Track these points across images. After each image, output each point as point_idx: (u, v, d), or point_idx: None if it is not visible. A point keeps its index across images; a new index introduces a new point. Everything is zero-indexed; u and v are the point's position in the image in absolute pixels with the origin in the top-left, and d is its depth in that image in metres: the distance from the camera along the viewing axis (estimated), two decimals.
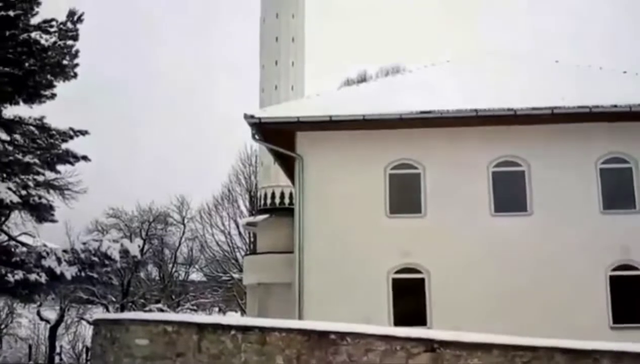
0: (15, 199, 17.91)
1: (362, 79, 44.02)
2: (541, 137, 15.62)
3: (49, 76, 19.58)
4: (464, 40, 55.85)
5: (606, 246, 14.99)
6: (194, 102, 63.96)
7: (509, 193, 15.55)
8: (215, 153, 49.49)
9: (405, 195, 15.84)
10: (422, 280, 15.35)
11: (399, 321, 14.90)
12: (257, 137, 16.77)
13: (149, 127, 60.04)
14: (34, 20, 19.51)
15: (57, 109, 21.01)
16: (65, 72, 19.61)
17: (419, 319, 15.01)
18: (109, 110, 58.46)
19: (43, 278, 18.00)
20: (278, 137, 16.55)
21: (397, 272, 15.44)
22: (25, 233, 20.42)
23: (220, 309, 41.26)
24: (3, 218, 19.52)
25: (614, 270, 15.00)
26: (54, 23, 19.34)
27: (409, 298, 15.33)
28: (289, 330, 10.79)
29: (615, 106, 14.85)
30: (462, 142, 15.75)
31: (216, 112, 57.87)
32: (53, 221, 20.37)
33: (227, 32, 71.40)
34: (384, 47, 59.47)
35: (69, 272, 18.51)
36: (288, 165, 18.18)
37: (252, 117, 15.92)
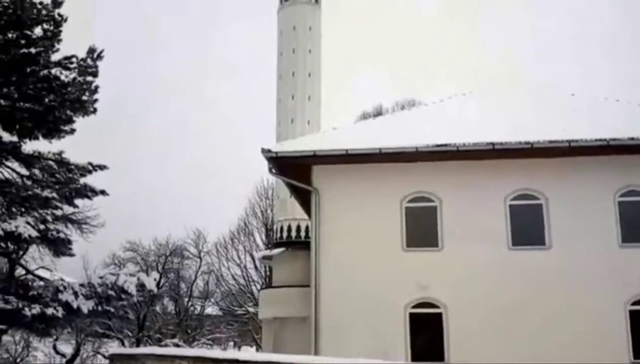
0: (34, 233, 18.03)
1: (378, 113, 44.24)
2: (558, 169, 15.54)
3: (68, 111, 19.85)
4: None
5: (626, 280, 14.79)
6: (210, 135, 64.47)
7: (527, 226, 15.43)
8: (232, 186, 49.75)
9: (421, 228, 15.77)
10: (440, 314, 15.21)
11: (416, 356, 14.74)
12: (273, 170, 16.83)
13: (167, 160, 60.49)
14: (55, 57, 19.86)
15: (74, 141, 21.25)
16: (85, 108, 19.87)
17: (437, 354, 14.85)
18: (126, 142, 59.00)
19: (60, 312, 18.02)
20: (294, 170, 16.61)
21: (414, 306, 15.31)
22: (42, 267, 20.55)
23: (235, 344, 41.06)
24: (21, 252, 19.65)
25: (634, 304, 14.78)
26: (74, 60, 19.65)
27: (427, 332, 15.18)
28: None
29: (633, 139, 14.77)
30: (479, 174, 15.70)
31: (233, 145, 58.31)
32: (71, 255, 20.47)
33: (245, 66, 72.17)
34: (399, 81, 59.78)
35: (86, 306, 18.54)
36: (304, 198, 18.21)
37: (269, 151, 16.00)
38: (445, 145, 15.25)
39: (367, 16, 71.55)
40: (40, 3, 20.17)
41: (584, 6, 67.56)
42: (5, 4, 19.43)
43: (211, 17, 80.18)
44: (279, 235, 23.12)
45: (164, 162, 61.07)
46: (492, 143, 15.09)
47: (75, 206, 21.08)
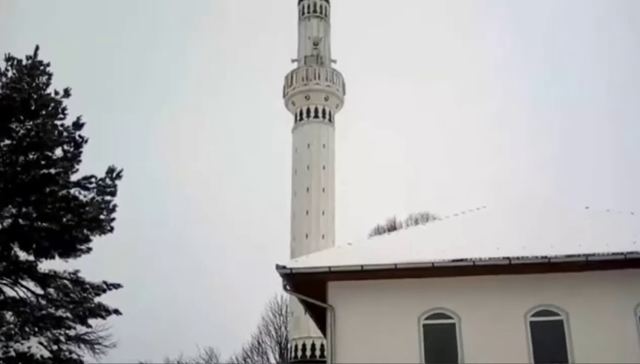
0: (46, 354, 17.84)
1: (392, 227, 44.39)
2: (577, 284, 15.33)
3: (85, 231, 20.11)
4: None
5: None
6: (224, 251, 64.45)
7: (548, 343, 15.05)
8: (245, 303, 49.24)
9: (440, 345, 15.40)
10: None
11: None
12: (288, 287, 16.70)
13: (177, 278, 60.25)
14: (74, 177, 20.34)
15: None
16: (102, 227, 20.14)
17: None
18: (140, 260, 59.03)
19: None
20: (309, 287, 16.46)
21: None
22: None
23: None
24: None
25: None
26: (93, 179, 20.12)
27: None
28: None
29: None
30: (497, 290, 15.51)
31: (246, 261, 58.16)
32: None
33: (259, 181, 73.13)
34: (413, 194, 60.22)
35: None
36: (319, 315, 17.94)
37: (283, 267, 15.94)
38: (462, 260, 15.16)
39: (379, 132, 73.05)
40: (62, 125, 20.87)
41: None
42: (29, 127, 20.11)
43: (226, 134, 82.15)
44: (293, 354, 22.70)
45: (177, 278, 60.81)
46: (509, 258, 14.98)
47: (89, 326, 20.94)
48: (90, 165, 21.19)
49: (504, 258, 15.03)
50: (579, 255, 14.83)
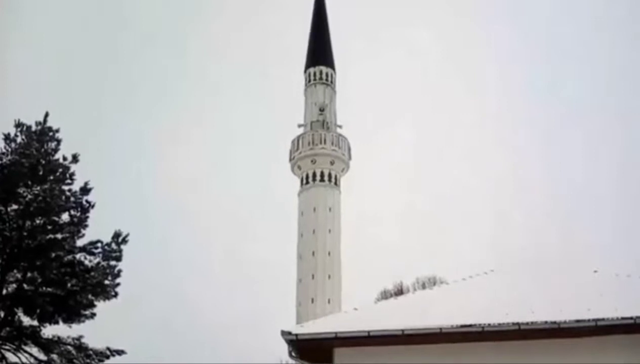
0: None
1: (399, 291, 43.97)
2: (587, 349, 15.06)
3: (90, 296, 20.08)
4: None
5: None
6: (226, 315, 63.81)
7: None
8: None
9: None
10: None
11: None
12: (293, 353, 16.45)
13: (181, 341, 59.41)
14: (80, 241, 20.41)
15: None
16: (107, 292, 20.13)
17: None
18: (144, 324, 58.37)
19: None
20: (315, 353, 16.21)
21: None
22: None
23: None
24: None
25: None
26: (98, 244, 20.20)
27: None
28: None
29: None
30: (507, 356, 15.24)
31: (251, 326, 57.46)
32: None
33: (264, 245, 72.90)
34: (420, 257, 59.87)
35: None
36: None
37: (289, 333, 15.73)
38: (470, 325, 14.96)
39: (384, 195, 73.26)
40: (69, 190, 21.06)
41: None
42: (36, 192, 20.28)
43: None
44: None
45: (180, 341, 59.97)
46: (518, 324, 14.78)
47: None
48: (97, 229, 21.27)
49: (514, 324, 14.83)
50: (588, 320, 14.63)
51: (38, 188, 20.46)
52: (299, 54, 49.58)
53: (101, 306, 20.30)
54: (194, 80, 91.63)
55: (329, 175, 42.31)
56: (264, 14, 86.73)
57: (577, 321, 14.70)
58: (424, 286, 40.31)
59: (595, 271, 18.81)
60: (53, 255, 19.88)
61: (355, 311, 18.58)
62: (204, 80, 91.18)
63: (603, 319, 14.61)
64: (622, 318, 14.55)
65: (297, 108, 47.39)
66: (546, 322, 14.76)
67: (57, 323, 20.40)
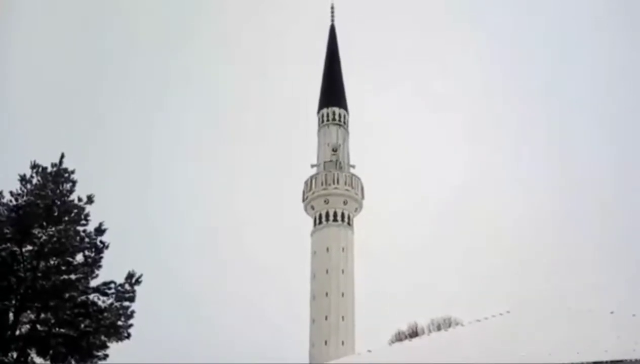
0: None
1: (414, 332, 43.51)
2: None
3: (102, 337, 19.99)
4: None
5: None
6: (239, 357, 63.23)
7: None
8: None
9: None
10: None
11: None
12: None
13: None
14: (94, 282, 20.40)
15: None
16: (119, 333, 20.03)
17: None
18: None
19: None
20: None
21: None
22: None
23: None
24: None
25: None
26: (112, 285, 20.18)
27: None
28: None
29: None
30: None
31: None
32: None
33: (276, 286, 72.56)
34: (435, 298, 59.30)
35: None
36: None
37: None
38: None
39: (398, 236, 72.95)
40: (84, 231, 21.14)
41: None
42: (51, 233, 20.37)
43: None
44: None
45: None
46: None
47: None
48: (110, 269, 21.28)
49: None
50: (606, 362, 14.48)
51: (53, 229, 20.55)
52: (312, 95, 50.21)
53: (114, 347, 20.21)
54: (207, 123, 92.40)
55: (342, 215, 42.26)
56: (278, 59, 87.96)
57: (595, 363, 14.53)
58: (439, 328, 39.89)
59: (612, 313, 18.58)
60: (67, 295, 19.86)
61: (369, 354, 18.46)
62: (217, 124, 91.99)
63: (621, 362, 14.44)
64: (637, 361, 14.36)
65: (310, 149, 47.77)
66: None
67: None
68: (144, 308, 22.70)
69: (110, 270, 21.55)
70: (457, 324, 29.96)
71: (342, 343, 37.22)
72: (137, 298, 20.86)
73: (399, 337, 42.22)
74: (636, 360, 14.31)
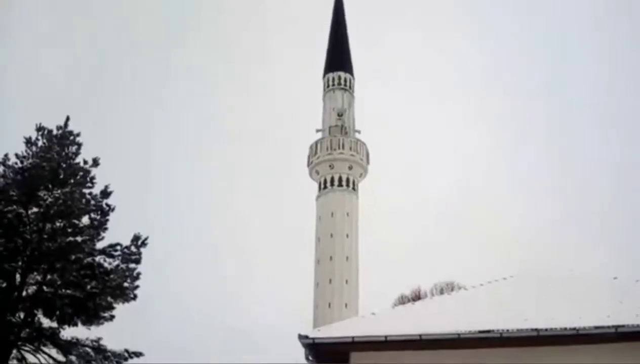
0: None
1: (417, 296, 43.76)
2: (606, 356, 14.88)
3: (109, 298, 20.23)
4: None
5: None
6: (243, 321, 63.85)
7: None
8: None
9: None
10: None
11: None
12: (310, 357, 16.42)
13: (199, 344, 59.53)
14: (100, 244, 20.55)
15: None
16: (126, 294, 20.26)
17: None
18: (163, 328, 58.61)
19: None
20: (332, 357, 16.18)
21: None
22: None
23: None
24: None
25: None
26: (118, 247, 20.34)
27: None
28: None
29: None
30: (525, 362, 15.11)
31: (267, 330, 57.42)
32: None
33: (282, 250, 72.97)
34: (438, 263, 59.61)
35: None
36: None
37: (306, 337, 15.71)
38: (488, 331, 14.85)
39: (403, 200, 73.05)
40: (90, 194, 21.22)
41: None
42: (56, 195, 20.46)
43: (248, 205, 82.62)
44: None
45: (198, 344, 60.10)
46: (537, 330, 14.65)
47: None
48: (116, 231, 21.39)
49: (532, 330, 14.71)
50: (608, 326, 14.47)
51: (59, 191, 20.65)
52: (318, 59, 49.81)
53: (120, 308, 20.44)
54: (210, 84, 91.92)
55: (347, 180, 42.25)
56: (285, 21, 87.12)
57: (597, 327, 14.54)
58: (441, 292, 40.08)
59: (615, 278, 18.59)
60: (73, 257, 20.05)
61: (372, 316, 18.52)
62: (221, 84, 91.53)
63: (623, 326, 14.44)
64: None
65: (315, 113, 47.54)
66: (565, 328, 14.61)
67: (76, 325, 20.57)
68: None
69: (116, 233, 21.68)
70: (460, 288, 30.10)
71: (346, 306, 37.53)
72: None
73: (402, 301, 42.46)
74: (638, 325, 14.35)
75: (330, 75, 46.36)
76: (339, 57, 47.04)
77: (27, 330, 19.93)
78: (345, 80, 46.09)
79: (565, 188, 77.00)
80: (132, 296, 20.42)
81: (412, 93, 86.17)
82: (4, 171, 20.98)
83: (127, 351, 20.36)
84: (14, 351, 20.02)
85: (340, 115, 44.65)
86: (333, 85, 45.91)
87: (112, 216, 21.42)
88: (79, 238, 20.01)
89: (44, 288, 20.28)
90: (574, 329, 14.57)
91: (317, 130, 45.05)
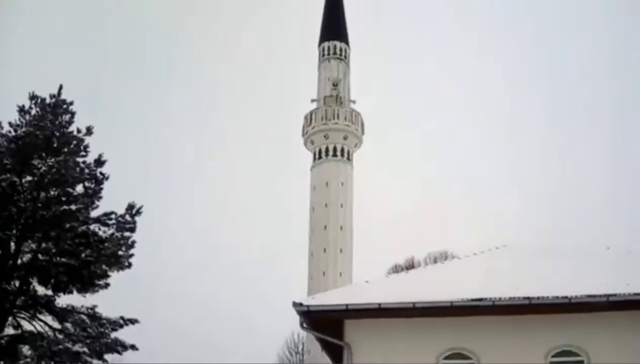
0: None
1: (410, 265, 44.06)
2: (598, 325, 15.06)
3: (104, 266, 20.30)
4: None
5: None
6: (239, 289, 64.24)
7: None
8: (262, 341, 48.85)
9: None
10: None
11: None
12: (305, 325, 16.56)
13: (194, 316, 59.96)
14: (94, 213, 20.55)
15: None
16: (121, 262, 20.31)
17: None
18: (158, 299, 58.90)
19: None
20: (326, 324, 16.32)
21: None
22: None
23: None
24: None
25: None
26: (112, 216, 20.35)
27: None
28: None
29: None
30: (517, 330, 15.28)
31: (262, 299, 57.84)
32: None
33: (277, 220, 73.20)
34: (432, 233, 59.92)
35: None
36: (336, 354, 17.76)
37: (300, 305, 15.84)
38: (481, 299, 14.98)
39: (397, 170, 73.23)
40: (84, 162, 21.16)
41: None
42: (50, 164, 20.40)
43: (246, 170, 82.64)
44: None
45: (193, 316, 60.54)
46: (529, 298, 14.79)
47: (105, 361, 20.92)
48: (111, 201, 21.38)
49: (524, 298, 14.84)
50: (600, 295, 14.60)
51: (52, 160, 20.57)
52: (313, 28, 49.42)
53: (115, 277, 20.51)
54: (207, 56, 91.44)
55: (342, 150, 42.22)
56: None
57: (589, 296, 14.67)
58: (435, 261, 40.36)
59: (608, 248, 18.72)
60: (67, 225, 20.04)
61: (366, 284, 18.64)
62: (216, 56, 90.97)
63: (615, 295, 14.57)
64: (634, 294, 14.51)
65: (310, 83, 47.28)
66: (557, 297, 14.74)
67: (71, 292, 20.65)
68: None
69: (110, 202, 21.66)
70: (453, 257, 30.28)
71: (340, 275, 37.78)
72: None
73: (396, 270, 42.74)
74: (630, 293, 14.48)
75: (326, 44, 45.97)
76: (334, 25, 46.60)
77: (23, 298, 20.02)
78: (340, 50, 45.74)
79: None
80: (126, 264, 20.48)
81: (409, 63, 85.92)
82: None
83: (122, 318, 20.49)
84: (10, 319, 20.14)
85: (335, 85, 44.38)
86: (328, 54, 45.56)
87: (107, 186, 21.39)
88: (73, 207, 19.97)
89: (39, 256, 20.31)
90: (566, 298, 14.70)
91: (312, 100, 44.81)
